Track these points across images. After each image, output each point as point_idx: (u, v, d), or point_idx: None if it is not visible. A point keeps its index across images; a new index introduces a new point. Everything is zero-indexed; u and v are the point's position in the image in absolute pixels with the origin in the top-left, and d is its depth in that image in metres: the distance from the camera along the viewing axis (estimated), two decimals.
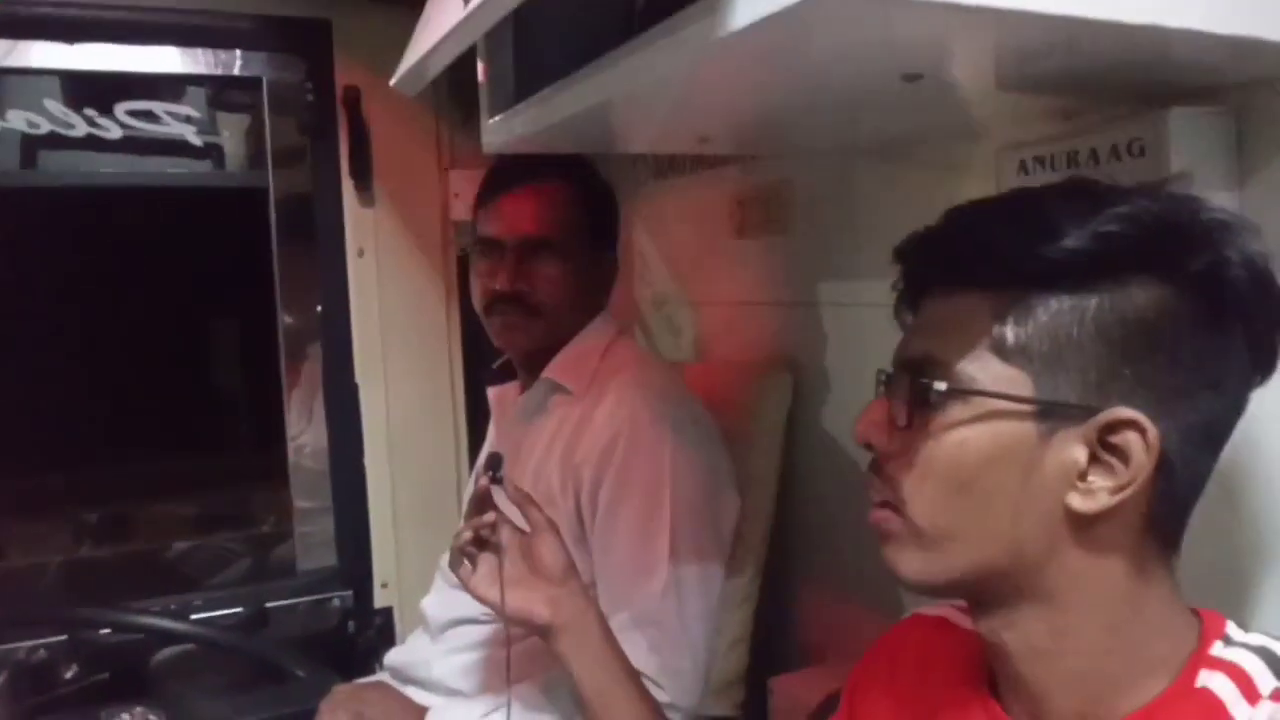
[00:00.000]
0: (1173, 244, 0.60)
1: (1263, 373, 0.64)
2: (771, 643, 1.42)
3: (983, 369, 0.62)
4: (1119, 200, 0.61)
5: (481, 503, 1.08)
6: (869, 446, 0.69)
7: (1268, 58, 0.73)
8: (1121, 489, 0.59)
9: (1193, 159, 0.78)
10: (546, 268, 1.33)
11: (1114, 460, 0.59)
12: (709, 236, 1.64)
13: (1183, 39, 0.66)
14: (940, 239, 0.66)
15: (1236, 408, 0.64)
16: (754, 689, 1.36)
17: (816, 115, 0.98)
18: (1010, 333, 0.61)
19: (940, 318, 0.66)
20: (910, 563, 0.66)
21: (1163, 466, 0.59)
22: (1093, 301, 0.60)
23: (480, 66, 1.10)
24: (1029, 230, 0.61)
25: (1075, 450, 0.60)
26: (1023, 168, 0.89)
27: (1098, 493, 0.60)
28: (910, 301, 0.70)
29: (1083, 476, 0.60)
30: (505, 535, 1.07)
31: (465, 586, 1.07)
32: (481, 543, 1.08)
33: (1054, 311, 0.60)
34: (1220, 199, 0.77)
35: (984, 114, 0.97)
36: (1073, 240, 0.59)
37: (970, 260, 0.64)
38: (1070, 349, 0.60)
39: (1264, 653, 0.61)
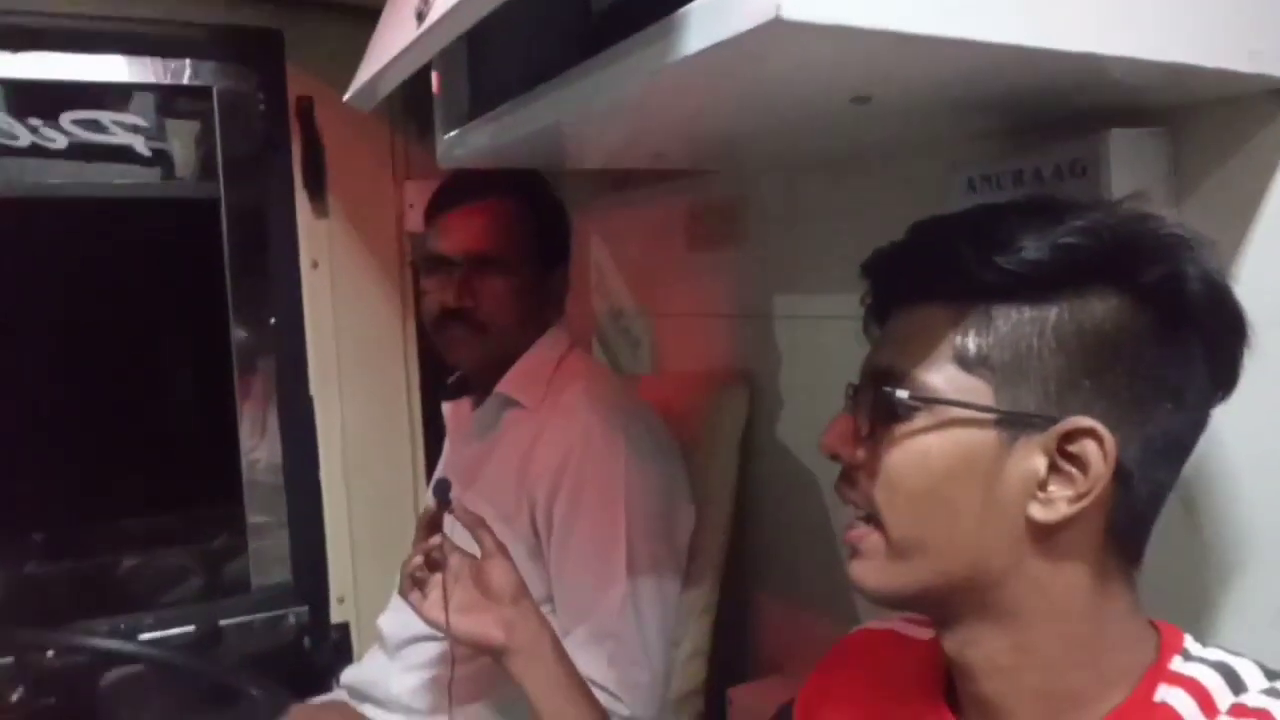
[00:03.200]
0: (1129, 256, 0.61)
1: (1223, 388, 0.65)
2: (730, 653, 1.42)
3: (945, 379, 0.63)
4: (1078, 214, 0.62)
5: (430, 526, 1.08)
6: (835, 458, 0.69)
7: (1201, 82, 0.75)
8: (1080, 498, 0.60)
9: (1131, 178, 0.79)
10: (493, 284, 1.33)
11: (1073, 469, 0.60)
12: (665, 249, 1.64)
13: (1118, 65, 0.67)
14: (905, 253, 0.67)
15: (1198, 423, 0.65)
16: (713, 700, 1.36)
17: (769, 134, 0.98)
18: (972, 343, 0.62)
19: (904, 330, 0.67)
20: (878, 575, 0.66)
21: (1122, 477, 0.60)
22: (1052, 312, 0.61)
23: (435, 79, 1.09)
24: (989, 243, 0.61)
25: (1036, 460, 0.61)
26: (970, 185, 0.90)
27: (1057, 502, 0.60)
28: (878, 316, 0.71)
29: (1043, 486, 0.61)
30: (454, 560, 1.07)
31: (417, 612, 1.07)
32: (433, 565, 1.08)
33: (1014, 322, 0.61)
34: None
35: (932, 134, 0.99)
36: (1032, 252, 0.60)
37: (932, 273, 0.65)
38: (1030, 359, 0.61)
39: (1222, 668, 0.61)
